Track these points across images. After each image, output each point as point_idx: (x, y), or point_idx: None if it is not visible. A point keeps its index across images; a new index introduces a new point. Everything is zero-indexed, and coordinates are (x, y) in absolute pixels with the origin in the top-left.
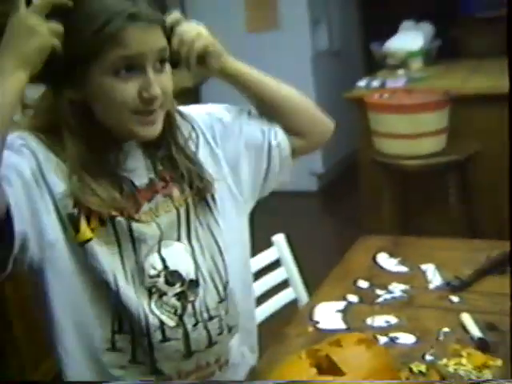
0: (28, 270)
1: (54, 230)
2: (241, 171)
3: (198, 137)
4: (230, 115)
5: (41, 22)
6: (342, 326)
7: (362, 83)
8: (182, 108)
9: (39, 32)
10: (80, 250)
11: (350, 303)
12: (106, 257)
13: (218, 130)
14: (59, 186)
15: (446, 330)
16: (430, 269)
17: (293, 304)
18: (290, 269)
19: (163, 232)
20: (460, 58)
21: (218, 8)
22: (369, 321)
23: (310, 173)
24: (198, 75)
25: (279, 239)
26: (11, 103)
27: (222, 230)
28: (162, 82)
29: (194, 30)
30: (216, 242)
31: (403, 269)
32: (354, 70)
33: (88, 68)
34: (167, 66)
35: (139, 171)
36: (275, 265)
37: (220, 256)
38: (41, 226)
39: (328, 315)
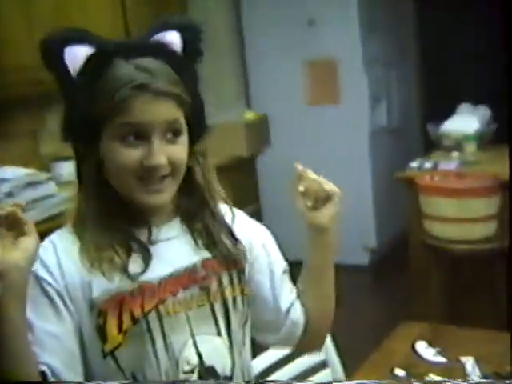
0: None
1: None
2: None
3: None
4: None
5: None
6: None
7: (414, 164)
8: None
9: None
10: (109, 356)
11: None
12: (137, 359)
13: (255, 259)
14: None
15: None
16: (469, 362)
17: None
18: (328, 349)
19: (193, 327)
20: None
21: (279, 80)
22: None
23: (363, 247)
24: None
25: None
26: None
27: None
28: (172, 152)
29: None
30: (244, 337)
31: (442, 359)
32: (411, 149)
33: (100, 132)
34: (183, 138)
35: (180, 253)
36: None
37: (247, 352)
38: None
39: None
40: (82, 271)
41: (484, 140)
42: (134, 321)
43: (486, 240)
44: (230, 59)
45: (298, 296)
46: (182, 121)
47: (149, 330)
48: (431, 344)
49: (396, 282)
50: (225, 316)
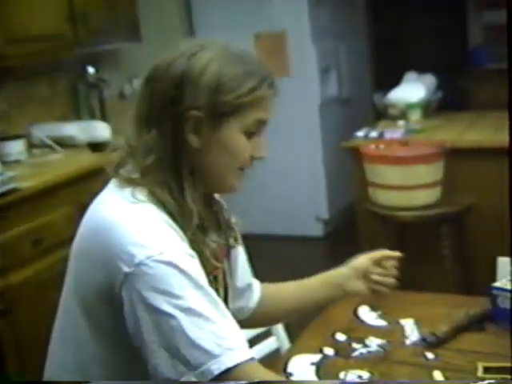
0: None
1: None
2: None
3: None
4: None
5: None
6: (315, 379)
7: (360, 133)
8: None
9: None
10: None
11: (325, 356)
12: None
13: None
14: None
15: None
16: (408, 324)
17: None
18: None
19: None
20: (462, 111)
21: None
22: (342, 375)
23: (315, 218)
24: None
25: None
26: None
27: None
28: None
29: None
30: None
31: (382, 323)
32: (361, 119)
33: (226, 121)
34: None
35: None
36: None
37: None
38: None
39: (302, 368)
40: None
41: (430, 108)
42: None
43: (431, 206)
44: (178, 32)
45: None
46: None
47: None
48: (373, 308)
49: (348, 251)
50: (224, 301)
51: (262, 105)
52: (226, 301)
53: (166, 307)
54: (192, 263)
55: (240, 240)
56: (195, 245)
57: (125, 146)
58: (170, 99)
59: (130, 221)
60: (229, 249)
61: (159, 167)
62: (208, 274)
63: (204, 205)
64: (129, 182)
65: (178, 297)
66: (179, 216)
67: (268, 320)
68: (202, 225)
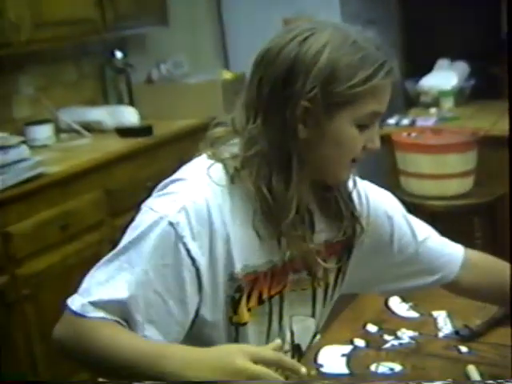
0: None
1: (217, 311)
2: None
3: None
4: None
5: (248, 367)
6: (345, 371)
7: (392, 120)
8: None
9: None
10: (233, 329)
11: (356, 347)
12: (255, 337)
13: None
14: (238, 262)
15: (448, 381)
16: (441, 316)
17: None
18: None
19: (293, 308)
20: (495, 99)
21: (256, 39)
22: (373, 367)
23: None
24: None
25: None
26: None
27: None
28: None
29: None
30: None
31: (414, 315)
32: (392, 106)
33: (338, 113)
34: None
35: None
36: None
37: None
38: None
39: (333, 359)
40: (228, 240)
41: (462, 96)
42: (260, 301)
43: (464, 196)
44: (206, 19)
45: None
46: None
47: (270, 312)
48: (404, 299)
49: None
50: (323, 299)
51: (377, 95)
52: (326, 294)
53: (123, 239)
54: (168, 243)
55: (362, 230)
56: (290, 239)
57: (229, 126)
58: (280, 87)
59: (186, 182)
60: (348, 243)
61: (262, 160)
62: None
63: (313, 195)
64: (222, 161)
65: (126, 243)
66: (275, 209)
67: (482, 296)
68: (305, 218)
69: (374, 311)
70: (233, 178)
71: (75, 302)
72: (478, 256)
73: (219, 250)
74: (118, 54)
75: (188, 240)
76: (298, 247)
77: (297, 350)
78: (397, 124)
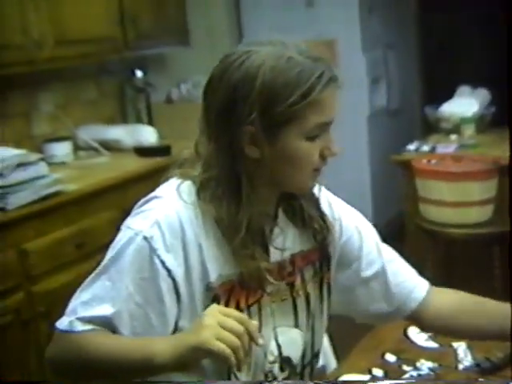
0: None
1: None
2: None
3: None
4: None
5: (217, 327)
6: None
7: (412, 147)
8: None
9: (206, 333)
10: None
11: (374, 377)
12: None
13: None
14: (212, 273)
15: None
16: (461, 347)
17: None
18: None
19: (276, 319)
20: None
21: None
22: None
23: None
24: None
25: None
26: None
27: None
28: None
29: None
30: (321, 328)
31: (434, 345)
32: (410, 131)
33: (283, 131)
34: None
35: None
36: None
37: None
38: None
39: None
40: (201, 252)
41: (483, 123)
42: (238, 310)
43: (483, 224)
44: (227, 40)
45: None
46: None
47: None
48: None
49: None
50: (307, 310)
51: (319, 107)
52: (308, 304)
53: (103, 260)
54: (144, 257)
55: (332, 233)
56: (239, 258)
57: (192, 150)
58: (223, 113)
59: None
60: (324, 252)
61: (217, 182)
62: (263, 287)
63: (281, 206)
64: (191, 179)
65: (106, 262)
66: (227, 230)
67: (448, 331)
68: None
69: (392, 340)
70: (199, 194)
71: (63, 322)
72: (445, 292)
73: (193, 261)
74: (139, 73)
75: (162, 252)
76: (246, 265)
77: (287, 363)
78: (417, 150)
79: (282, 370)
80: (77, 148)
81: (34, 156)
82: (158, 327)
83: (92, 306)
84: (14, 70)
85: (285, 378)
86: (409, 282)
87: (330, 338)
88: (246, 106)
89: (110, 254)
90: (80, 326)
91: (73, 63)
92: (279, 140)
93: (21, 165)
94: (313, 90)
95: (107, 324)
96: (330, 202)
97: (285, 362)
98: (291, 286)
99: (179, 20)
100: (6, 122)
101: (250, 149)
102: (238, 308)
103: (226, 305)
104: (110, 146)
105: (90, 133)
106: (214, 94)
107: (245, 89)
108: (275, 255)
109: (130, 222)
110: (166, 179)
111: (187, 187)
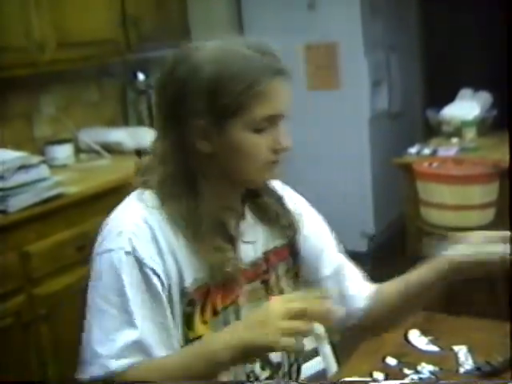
0: None
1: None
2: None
3: None
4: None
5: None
6: None
7: (413, 150)
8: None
9: (272, 332)
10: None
11: (375, 380)
12: None
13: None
14: (187, 277)
15: None
16: (462, 351)
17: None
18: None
19: None
20: None
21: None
22: None
23: (361, 234)
24: None
25: None
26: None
27: None
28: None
29: None
30: None
31: (434, 348)
32: (411, 134)
33: (230, 123)
34: None
35: (250, 246)
36: None
37: None
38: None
39: None
40: (175, 256)
41: (484, 126)
42: (215, 313)
43: (484, 228)
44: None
45: None
46: None
47: (226, 323)
48: (424, 333)
49: (393, 268)
50: None
51: (266, 99)
52: None
53: (91, 299)
54: (135, 271)
55: (299, 228)
56: (205, 253)
57: (151, 154)
58: (173, 109)
59: (119, 214)
60: (293, 247)
61: (173, 179)
62: (237, 282)
63: (247, 205)
64: (151, 188)
65: (100, 295)
66: (189, 227)
67: (379, 321)
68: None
69: (393, 344)
70: (161, 197)
71: (93, 371)
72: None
73: (170, 266)
74: (140, 76)
75: (148, 260)
76: (212, 258)
77: (266, 362)
78: (418, 153)
79: (262, 369)
80: (78, 150)
81: (36, 158)
82: (172, 330)
83: (111, 341)
84: (15, 72)
85: (268, 378)
86: (357, 285)
87: (330, 341)
88: (194, 99)
89: (98, 285)
90: (115, 364)
91: (75, 66)
92: (227, 132)
93: (22, 167)
94: (258, 81)
95: (138, 347)
96: (294, 200)
97: (264, 361)
98: (266, 283)
99: (181, 23)
100: (8, 124)
101: (201, 144)
102: (214, 311)
103: (203, 309)
104: (112, 149)
105: (92, 135)
106: (163, 90)
107: (192, 83)
108: (248, 254)
109: (102, 247)
110: (134, 190)
111: (149, 195)
